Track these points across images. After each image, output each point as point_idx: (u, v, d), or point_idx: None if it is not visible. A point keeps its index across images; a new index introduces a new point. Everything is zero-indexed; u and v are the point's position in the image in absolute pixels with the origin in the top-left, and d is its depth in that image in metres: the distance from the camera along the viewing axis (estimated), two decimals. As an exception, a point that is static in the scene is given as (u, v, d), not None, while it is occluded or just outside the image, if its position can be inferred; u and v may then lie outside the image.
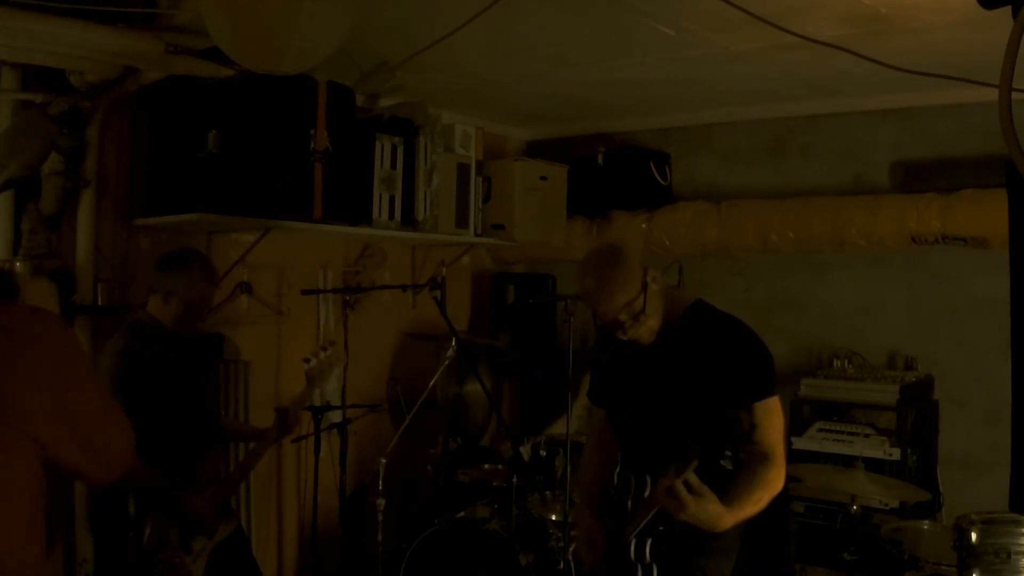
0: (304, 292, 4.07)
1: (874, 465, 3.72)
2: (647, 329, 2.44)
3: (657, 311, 2.44)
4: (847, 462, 3.73)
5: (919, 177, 4.22)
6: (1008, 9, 1.30)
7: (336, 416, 3.92)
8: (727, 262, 4.82)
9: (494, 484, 4.03)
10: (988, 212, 3.75)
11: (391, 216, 4.04)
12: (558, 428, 4.46)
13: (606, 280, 2.38)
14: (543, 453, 4.15)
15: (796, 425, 4.07)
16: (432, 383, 3.89)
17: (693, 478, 2.14)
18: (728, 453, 2.19)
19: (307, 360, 3.17)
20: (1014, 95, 1.22)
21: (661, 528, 2.34)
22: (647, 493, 2.38)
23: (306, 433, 3.88)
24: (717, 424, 2.15)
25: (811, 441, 3.98)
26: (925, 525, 3.43)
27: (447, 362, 3.90)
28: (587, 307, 2.55)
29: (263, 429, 3.20)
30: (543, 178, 4.76)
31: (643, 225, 4.77)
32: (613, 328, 2.45)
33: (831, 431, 4.03)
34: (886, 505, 3.66)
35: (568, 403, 3.76)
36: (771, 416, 2.37)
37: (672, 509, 2.17)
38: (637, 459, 2.54)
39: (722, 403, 2.27)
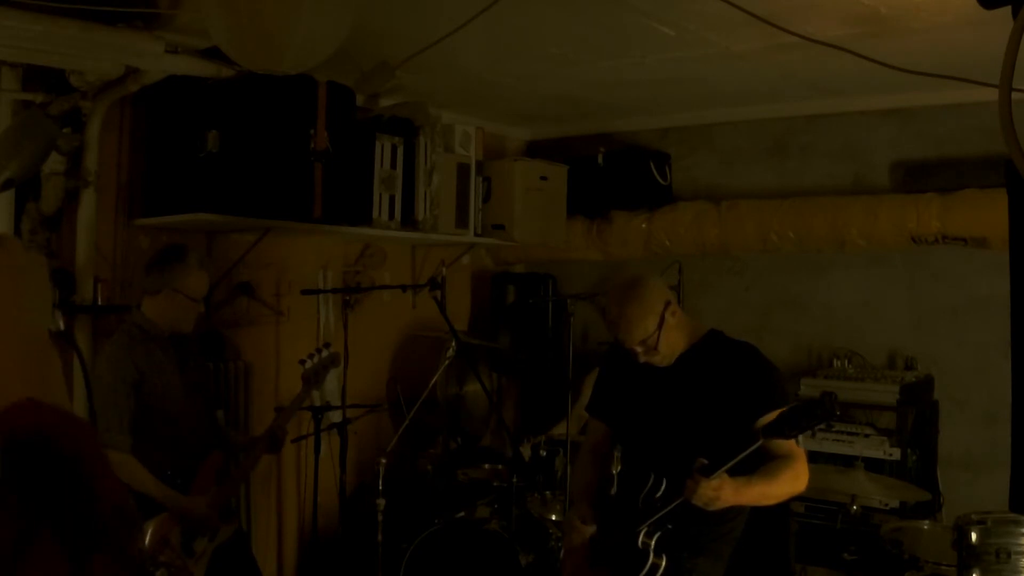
0: (304, 292, 4.06)
1: (874, 465, 3.72)
2: (661, 357, 2.60)
3: (671, 343, 2.59)
4: (847, 462, 3.74)
5: (919, 177, 4.21)
6: (1008, 9, 1.30)
7: (336, 416, 3.92)
8: (727, 262, 4.82)
9: (494, 484, 4.03)
10: (988, 212, 3.75)
11: (391, 216, 4.04)
12: (560, 430, 4.46)
13: (624, 315, 2.55)
14: (543, 453, 4.15)
15: (796, 425, 4.07)
16: (432, 383, 3.89)
17: (724, 477, 2.33)
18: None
19: (303, 362, 3.18)
20: (1014, 95, 1.22)
21: (670, 526, 2.48)
22: (660, 493, 2.51)
23: (306, 433, 3.88)
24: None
25: (811, 441, 3.98)
26: (925, 525, 3.43)
27: (447, 362, 3.90)
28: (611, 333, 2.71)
29: (256, 439, 3.21)
30: (543, 178, 4.76)
31: (643, 225, 4.77)
32: (631, 353, 2.61)
33: (831, 431, 4.03)
34: (886, 505, 3.66)
35: (568, 404, 3.76)
36: None
37: (704, 503, 2.34)
38: (650, 464, 2.61)
39: (744, 414, 2.45)
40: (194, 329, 3.05)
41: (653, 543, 2.49)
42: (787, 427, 2.25)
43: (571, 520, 2.75)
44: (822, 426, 2.35)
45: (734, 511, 2.53)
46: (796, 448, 2.48)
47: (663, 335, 2.53)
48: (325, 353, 3.20)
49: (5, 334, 0.87)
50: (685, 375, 2.62)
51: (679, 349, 2.62)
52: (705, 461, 2.34)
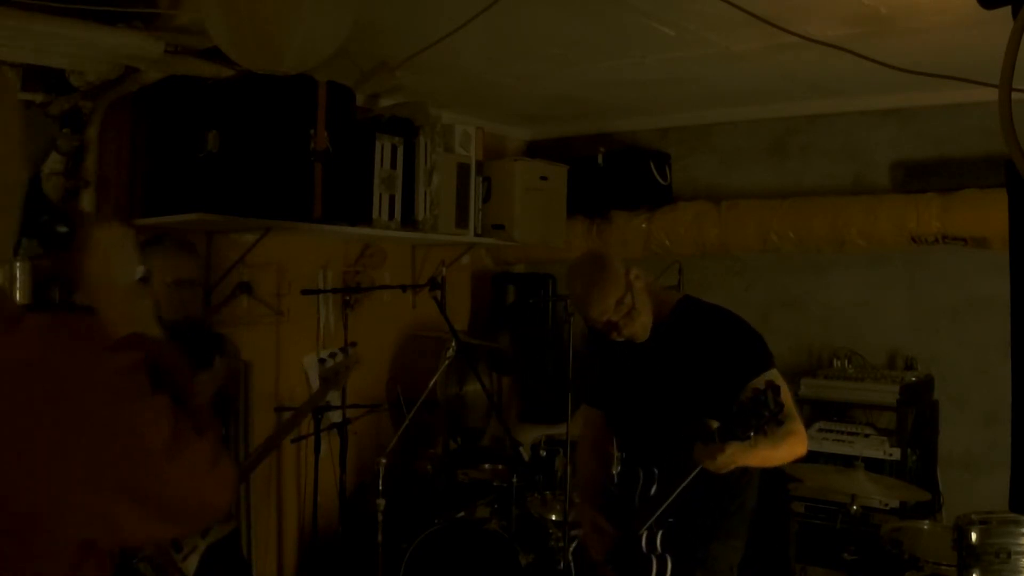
0: (304, 292, 4.07)
1: (874, 465, 3.72)
2: (640, 325, 2.54)
3: (646, 306, 2.54)
4: (847, 462, 3.73)
5: (919, 177, 4.22)
6: (1008, 9, 1.30)
7: (336, 416, 3.92)
8: (727, 262, 4.82)
9: (494, 484, 4.03)
10: (988, 212, 3.75)
11: (391, 216, 4.04)
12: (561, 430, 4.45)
13: (594, 283, 2.50)
14: (543, 453, 4.15)
15: (796, 425, 4.07)
16: (432, 383, 3.89)
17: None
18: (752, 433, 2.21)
19: (323, 361, 3.15)
20: (1014, 95, 1.22)
21: (671, 520, 2.42)
22: (654, 488, 2.45)
23: (306, 433, 3.88)
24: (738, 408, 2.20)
25: (811, 441, 3.94)
26: (925, 525, 3.43)
27: (447, 362, 3.90)
28: (580, 315, 2.64)
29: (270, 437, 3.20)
30: (543, 178, 4.76)
31: (643, 225, 4.77)
32: (607, 330, 2.54)
33: (831, 431, 4.03)
34: (886, 505, 3.66)
35: (568, 404, 3.76)
36: (776, 382, 2.39)
37: (716, 468, 2.26)
38: (642, 454, 2.57)
39: (725, 386, 2.37)
40: (192, 326, 3.00)
41: (658, 543, 2.44)
42: (739, 428, 2.18)
43: (590, 533, 2.66)
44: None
45: (740, 483, 2.47)
46: (792, 410, 2.40)
47: (636, 297, 2.49)
48: (350, 352, 3.17)
49: (105, 292, 1.28)
50: (664, 351, 2.55)
51: (651, 316, 2.56)
52: (714, 424, 2.24)
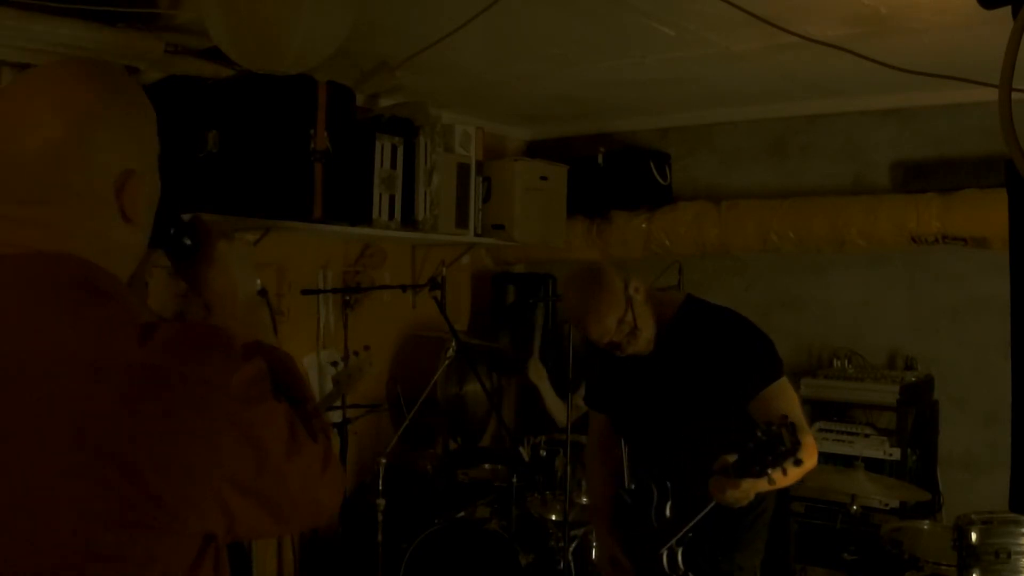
0: (304, 292, 4.07)
1: (874, 465, 3.73)
2: (643, 341, 2.46)
3: (648, 320, 2.46)
4: (847, 462, 3.74)
5: (919, 177, 4.22)
6: (1008, 9, 1.30)
7: (336, 416, 3.92)
8: (727, 262, 4.82)
9: (494, 484, 4.03)
10: (988, 212, 3.75)
11: (391, 216, 4.04)
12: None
13: (591, 304, 2.40)
14: (543, 453, 4.15)
15: (796, 425, 4.07)
16: (432, 383, 3.88)
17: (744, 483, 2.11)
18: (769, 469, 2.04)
19: (335, 363, 3.15)
20: (1014, 95, 1.22)
21: (690, 535, 2.36)
22: (669, 505, 2.40)
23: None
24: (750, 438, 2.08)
25: (811, 441, 3.98)
26: (925, 525, 3.44)
27: (447, 362, 3.90)
28: (581, 334, 2.56)
29: None
30: (543, 178, 4.76)
31: (643, 225, 4.77)
32: (609, 350, 2.46)
33: (831, 431, 4.03)
34: (886, 505, 3.66)
35: (568, 404, 3.76)
36: (786, 393, 2.37)
37: (732, 502, 2.14)
38: (652, 465, 2.53)
39: (734, 395, 2.31)
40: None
41: (679, 561, 2.37)
42: (756, 465, 2.03)
43: (606, 562, 2.62)
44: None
45: (760, 495, 2.40)
46: (801, 420, 2.33)
47: (637, 313, 2.40)
48: (362, 355, 3.16)
49: (228, 303, 1.34)
50: (669, 357, 2.48)
51: (653, 329, 2.47)
52: (730, 459, 2.10)
